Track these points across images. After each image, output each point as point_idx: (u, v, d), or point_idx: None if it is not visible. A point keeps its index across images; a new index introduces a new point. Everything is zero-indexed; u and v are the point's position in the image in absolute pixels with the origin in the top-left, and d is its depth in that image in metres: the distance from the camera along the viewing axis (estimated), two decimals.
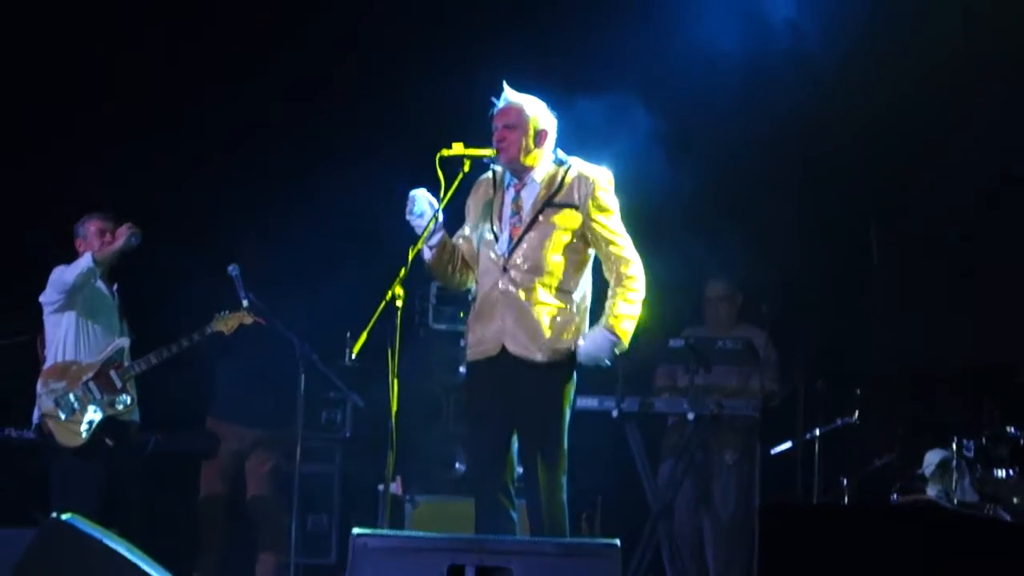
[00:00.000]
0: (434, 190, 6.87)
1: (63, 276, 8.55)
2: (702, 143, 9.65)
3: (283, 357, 8.92)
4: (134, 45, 10.41)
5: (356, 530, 6.13)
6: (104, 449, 8.50)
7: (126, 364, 8.64)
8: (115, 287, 8.80)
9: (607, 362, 7.00)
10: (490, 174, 7.16)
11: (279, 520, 9.37)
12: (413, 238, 6.84)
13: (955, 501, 8.13)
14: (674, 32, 9.42)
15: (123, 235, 8.57)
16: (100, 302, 8.71)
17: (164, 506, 9.99)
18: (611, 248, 6.98)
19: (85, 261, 8.51)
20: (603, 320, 6.94)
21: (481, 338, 7.00)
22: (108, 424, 8.54)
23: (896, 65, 9.51)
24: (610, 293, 6.97)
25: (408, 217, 6.88)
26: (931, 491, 8.37)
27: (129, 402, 8.61)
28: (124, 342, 8.74)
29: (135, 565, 6.72)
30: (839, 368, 9.24)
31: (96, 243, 8.69)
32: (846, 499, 8.66)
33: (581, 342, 6.94)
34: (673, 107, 9.22)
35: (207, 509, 9.73)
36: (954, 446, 8.29)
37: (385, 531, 6.54)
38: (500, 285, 6.95)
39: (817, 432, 8.87)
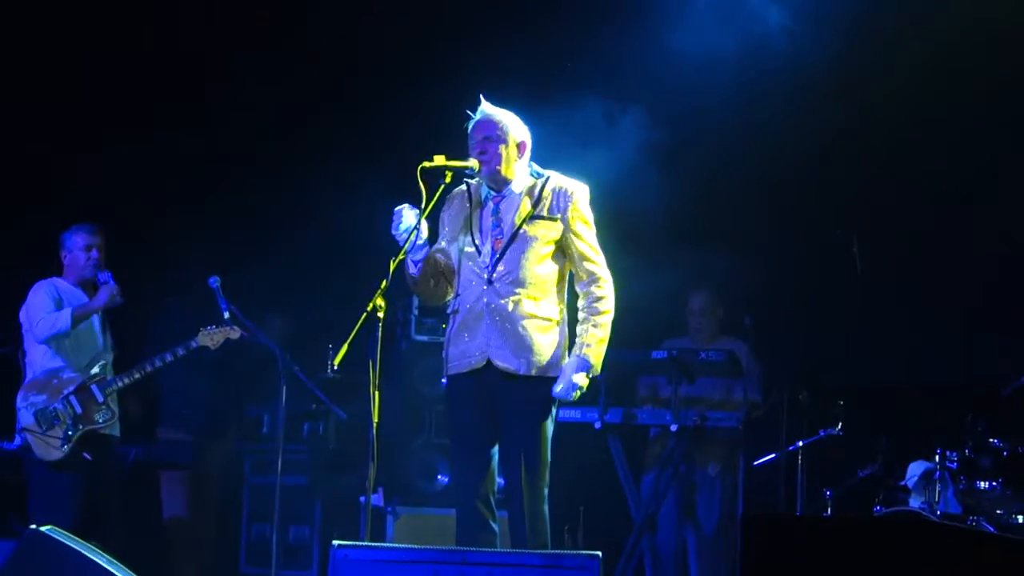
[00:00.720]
0: (416, 203, 6.85)
1: (41, 327, 8.54)
2: (686, 154, 9.64)
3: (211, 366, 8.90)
4: (114, 51, 10.37)
5: (336, 542, 6.12)
6: (83, 463, 8.46)
7: (108, 378, 8.60)
8: None
9: (578, 394, 6.99)
10: (464, 187, 7.17)
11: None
12: (394, 250, 6.82)
13: (938, 513, 8.11)
14: (658, 41, 9.41)
15: (105, 296, 8.57)
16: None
17: (145, 518, 10.00)
18: (586, 263, 7.02)
19: (63, 321, 8.51)
20: (577, 350, 6.96)
21: (465, 351, 7.00)
22: (88, 438, 8.49)
23: (880, 75, 9.51)
24: (581, 318, 7.02)
25: (393, 233, 6.87)
26: (914, 503, 8.36)
27: (110, 416, 8.57)
28: (106, 356, 8.72)
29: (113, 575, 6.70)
30: (822, 380, 9.22)
31: (82, 258, 8.70)
32: (829, 511, 8.64)
33: (563, 362, 6.95)
34: (658, 117, 9.23)
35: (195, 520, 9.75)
36: (937, 458, 8.27)
37: (365, 543, 6.50)
38: (485, 298, 6.95)
39: (800, 444, 8.85)
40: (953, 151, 9.48)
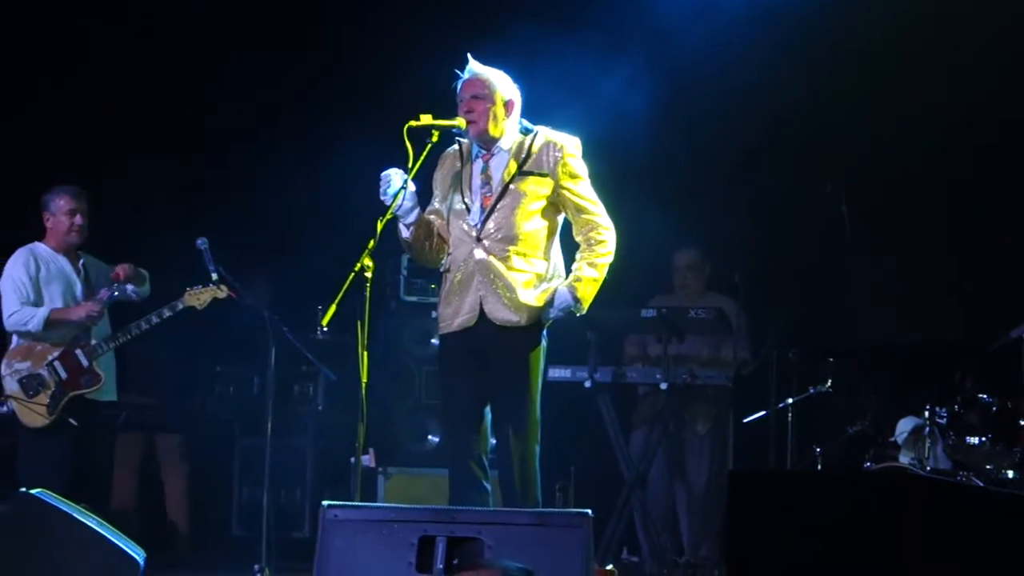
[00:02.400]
0: (404, 163, 6.84)
1: (13, 320, 8.47)
2: (673, 109, 9.62)
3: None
4: (107, 23, 10.35)
5: (326, 502, 6.12)
6: (70, 428, 8.41)
7: (93, 343, 8.55)
8: (81, 263, 8.70)
9: (560, 314, 7.00)
10: (456, 147, 7.17)
11: None
12: (382, 210, 6.80)
13: (928, 468, 8.12)
14: None
15: (82, 313, 8.51)
16: (64, 283, 8.60)
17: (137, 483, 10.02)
18: (583, 214, 7.02)
19: (36, 323, 8.42)
20: (567, 281, 6.99)
21: (457, 309, 7.01)
22: (74, 403, 8.45)
23: (872, 31, 9.50)
24: (577, 256, 7.03)
25: (383, 198, 6.84)
26: (904, 459, 8.36)
27: (95, 381, 8.50)
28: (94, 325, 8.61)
29: (104, 537, 6.70)
30: (812, 337, 9.23)
31: (65, 223, 8.59)
32: (819, 467, 8.66)
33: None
34: (645, 72, 9.21)
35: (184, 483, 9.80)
36: (927, 413, 8.28)
37: (355, 503, 6.51)
38: (475, 255, 6.96)
39: (790, 401, 8.87)
40: (948, 109, 9.47)
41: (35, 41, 10.32)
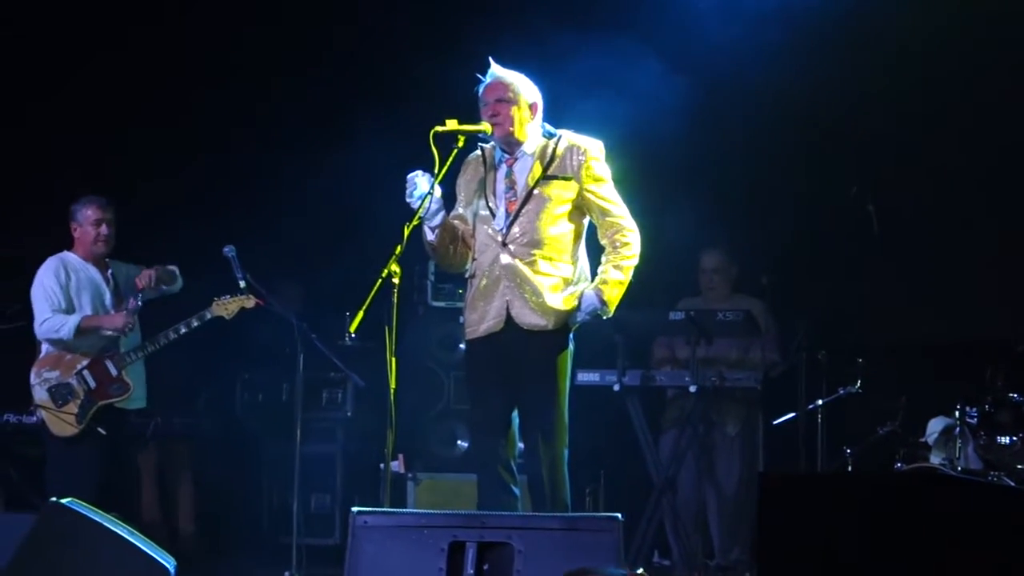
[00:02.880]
0: (429, 166, 6.84)
1: (45, 328, 8.46)
2: (704, 113, 9.60)
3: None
4: (134, 21, 10.37)
5: (355, 509, 6.12)
6: (99, 437, 8.41)
7: (121, 352, 8.55)
8: (109, 272, 8.68)
9: (587, 317, 7.00)
10: (479, 152, 7.17)
11: None
12: (409, 216, 6.80)
13: (959, 468, 8.09)
14: None
15: (119, 322, 8.49)
16: (94, 291, 8.59)
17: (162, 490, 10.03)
18: (607, 217, 7.02)
19: (67, 330, 8.41)
20: (593, 284, 6.99)
21: (484, 315, 7.01)
22: (103, 412, 8.44)
23: (901, 32, 9.46)
24: (603, 259, 7.03)
25: (408, 200, 6.84)
26: (935, 459, 8.34)
27: (124, 390, 8.50)
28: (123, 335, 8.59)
29: (134, 546, 6.71)
30: (841, 338, 9.21)
31: (91, 232, 8.59)
32: (850, 469, 8.63)
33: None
34: (674, 71, 9.20)
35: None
36: (957, 413, 8.25)
37: (385, 509, 6.51)
38: (501, 260, 6.96)
39: (820, 402, 8.83)
40: (974, 107, 9.43)
41: (51, 40, 10.32)
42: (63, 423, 8.38)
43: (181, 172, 10.26)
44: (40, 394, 8.44)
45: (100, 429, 8.40)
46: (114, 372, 8.47)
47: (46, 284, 8.54)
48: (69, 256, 8.65)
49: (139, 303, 8.55)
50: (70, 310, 8.49)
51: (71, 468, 8.34)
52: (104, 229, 8.61)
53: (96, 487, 8.08)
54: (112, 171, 9.87)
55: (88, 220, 8.62)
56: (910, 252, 9.50)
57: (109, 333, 8.51)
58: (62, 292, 8.51)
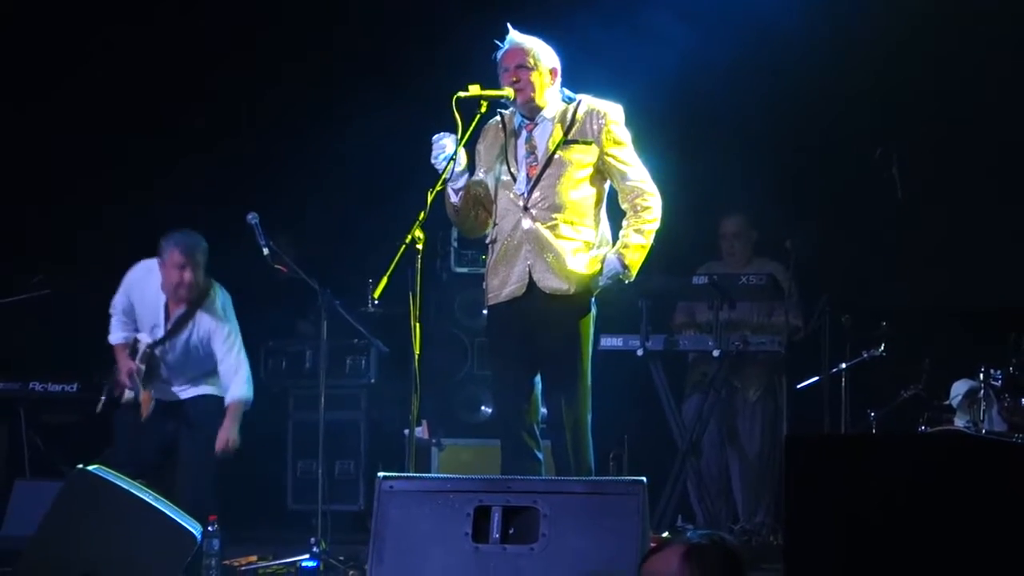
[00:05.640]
0: (452, 133, 6.85)
1: (112, 316, 8.41)
2: (726, 73, 9.57)
3: None
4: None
5: (381, 474, 6.13)
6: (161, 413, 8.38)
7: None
8: (178, 313, 8.41)
9: (609, 282, 7.00)
10: (498, 118, 7.18)
11: None
12: (431, 182, 6.81)
13: (983, 431, 8.08)
14: None
15: (122, 375, 8.34)
16: (150, 317, 8.41)
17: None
18: (628, 181, 7.01)
19: (111, 338, 8.37)
20: (614, 248, 6.99)
21: (505, 279, 7.01)
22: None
23: None
24: (624, 223, 7.02)
25: (433, 162, 6.86)
26: (959, 421, 8.34)
27: (132, 389, 8.36)
28: (144, 336, 8.43)
29: (160, 512, 6.76)
30: (864, 301, 9.19)
31: (174, 275, 8.24)
32: (874, 432, 8.62)
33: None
34: (693, 33, 9.18)
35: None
36: (981, 376, 8.24)
37: (410, 474, 6.53)
38: (523, 224, 6.97)
39: (843, 366, 8.82)
40: (1000, 72, 9.39)
41: (81, 15, 10.34)
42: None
43: (202, 143, 10.25)
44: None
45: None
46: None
47: (125, 282, 8.43)
48: (155, 275, 8.38)
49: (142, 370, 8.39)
50: (125, 312, 8.43)
51: (128, 434, 8.31)
52: (188, 276, 8.24)
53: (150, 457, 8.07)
54: (136, 146, 9.87)
55: (171, 264, 8.27)
56: (934, 215, 9.48)
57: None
58: (126, 300, 8.41)
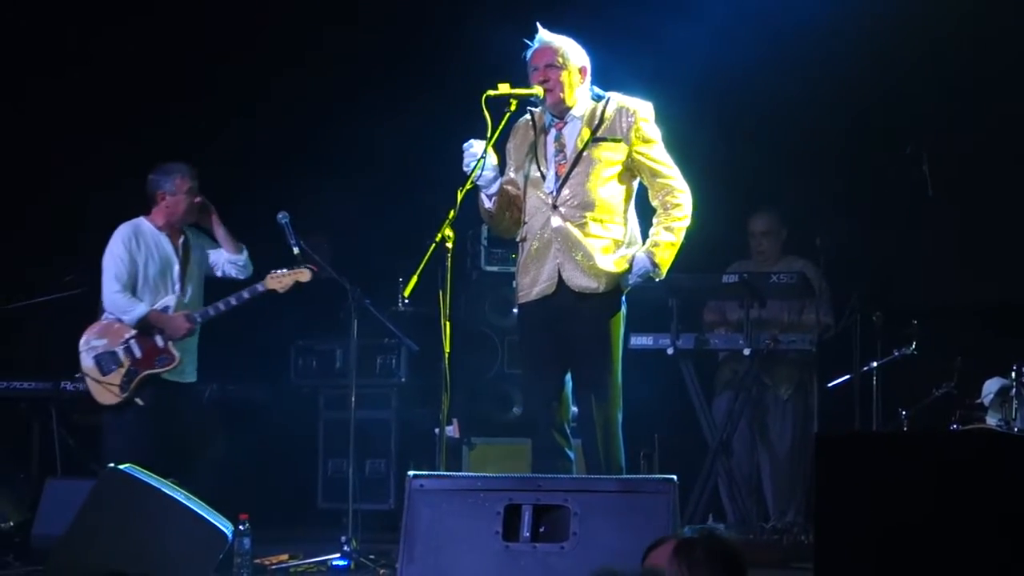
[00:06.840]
0: (481, 133, 6.86)
1: (111, 304, 8.37)
2: (756, 70, 9.55)
3: None
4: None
5: (412, 472, 6.14)
6: (148, 405, 8.38)
7: None
8: (181, 241, 8.53)
9: (639, 280, 6.99)
10: (528, 116, 7.18)
11: None
12: (462, 181, 6.82)
13: (1015, 429, 8.06)
14: None
15: (177, 329, 8.34)
16: (162, 265, 8.43)
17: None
18: (658, 178, 7.01)
19: (132, 316, 8.32)
20: (644, 246, 6.99)
21: (536, 278, 7.01)
22: (149, 383, 8.33)
23: None
24: (654, 221, 7.03)
25: (465, 170, 6.87)
26: (991, 420, 8.31)
27: (170, 361, 8.38)
28: (169, 300, 8.42)
29: (192, 511, 6.78)
30: (896, 300, 9.16)
31: (184, 202, 8.42)
32: (905, 431, 8.59)
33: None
34: (721, 34, 9.16)
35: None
36: (1013, 374, 8.22)
37: (441, 473, 6.53)
38: (552, 223, 6.97)
39: (874, 364, 8.79)
40: None
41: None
42: (106, 392, 8.31)
43: (230, 136, 10.25)
44: (86, 362, 8.36)
45: (138, 400, 8.34)
46: (161, 344, 8.37)
47: (116, 252, 8.40)
48: (143, 224, 8.49)
49: (209, 312, 8.43)
50: (135, 282, 8.38)
51: (124, 435, 8.31)
52: (198, 198, 8.49)
53: (151, 453, 8.00)
54: (161, 141, 9.87)
55: (181, 189, 8.42)
56: (965, 212, 9.44)
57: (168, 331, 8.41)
58: (129, 262, 8.36)
